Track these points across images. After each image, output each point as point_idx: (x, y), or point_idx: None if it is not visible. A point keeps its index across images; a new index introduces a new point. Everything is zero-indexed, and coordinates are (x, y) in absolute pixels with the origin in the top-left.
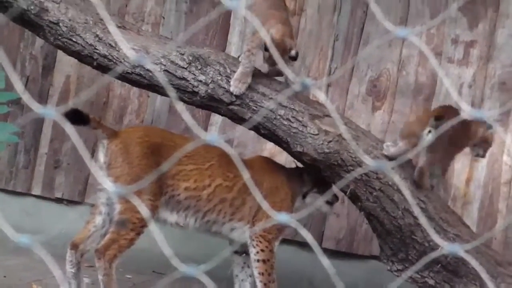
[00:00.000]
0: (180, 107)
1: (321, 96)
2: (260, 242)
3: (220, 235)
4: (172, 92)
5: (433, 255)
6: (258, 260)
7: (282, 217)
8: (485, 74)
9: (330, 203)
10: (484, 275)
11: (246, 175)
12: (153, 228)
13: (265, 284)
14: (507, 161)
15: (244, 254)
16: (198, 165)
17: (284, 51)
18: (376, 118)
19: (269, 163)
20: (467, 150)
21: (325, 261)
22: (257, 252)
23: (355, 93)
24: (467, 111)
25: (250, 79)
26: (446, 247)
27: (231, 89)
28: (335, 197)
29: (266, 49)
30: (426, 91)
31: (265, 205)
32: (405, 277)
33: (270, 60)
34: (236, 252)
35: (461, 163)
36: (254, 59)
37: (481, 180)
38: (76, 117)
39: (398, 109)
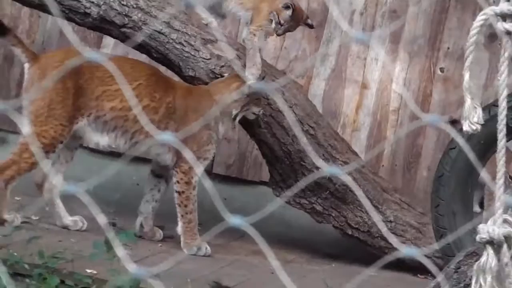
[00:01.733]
0: (66, 28)
1: (207, 17)
2: (177, 172)
3: (146, 154)
4: (55, 10)
5: (313, 176)
6: (176, 191)
7: (164, 137)
8: (377, 2)
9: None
10: (364, 201)
11: (128, 92)
12: (35, 149)
13: (182, 216)
14: (396, 89)
15: (158, 177)
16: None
17: (301, 16)
18: (269, 43)
19: (193, 88)
20: (358, 78)
21: (207, 183)
22: (174, 183)
23: None
24: (354, 35)
25: (259, 58)
26: (326, 169)
27: (249, 77)
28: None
29: (279, 22)
30: (318, 18)
31: (144, 120)
32: (284, 199)
33: (278, 29)
34: (152, 172)
35: (351, 90)
36: (256, 40)
37: (370, 107)
38: None
39: (291, 35)
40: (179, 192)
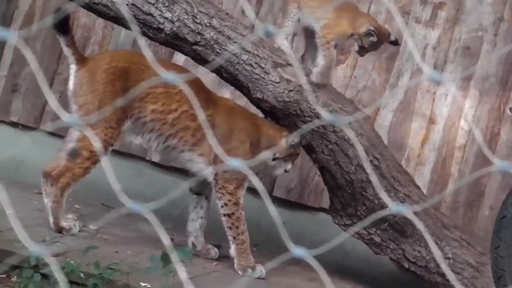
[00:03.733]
0: (143, 43)
1: (283, 45)
2: (223, 195)
3: (178, 161)
4: (134, 26)
5: (381, 213)
6: (224, 215)
7: (234, 162)
8: (451, 37)
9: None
10: (428, 237)
11: (201, 115)
12: (104, 161)
13: (234, 238)
14: (464, 126)
15: (198, 195)
16: (168, 88)
17: (384, 36)
18: (339, 72)
19: (238, 107)
20: (426, 112)
21: (272, 208)
22: (222, 206)
23: None
24: (427, 73)
25: (332, 71)
26: (393, 207)
27: (313, 79)
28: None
29: (362, 46)
30: (391, 50)
31: (219, 150)
32: (351, 232)
33: (361, 51)
34: (191, 190)
35: (418, 124)
36: (334, 51)
37: (436, 142)
38: (63, 23)
39: (361, 65)
40: (228, 215)
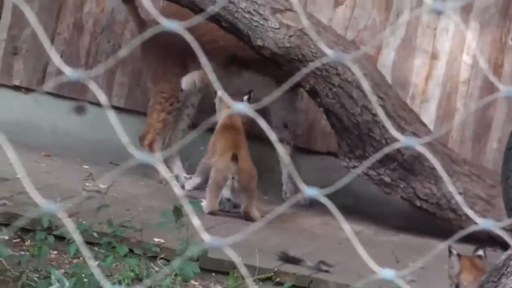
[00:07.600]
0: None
1: None
2: None
3: None
4: None
5: (387, 149)
6: None
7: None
8: None
9: None
10: (442, 174)
11: None
12: (111, 116)
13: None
14: (467, 60)
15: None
16: None
17: None
18: (338, 13)
19: None
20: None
21: (281, 150)
22: None
23: None
24: (428, 1)
25: None
26: (402, 140)
27: None
28: None
29: None
30: None
31: None
32: (357, 171)
33: None
34: None
35: (421, 60)
36: None
37: (440, 78)
38: None
39: (360, 5)
40: None
